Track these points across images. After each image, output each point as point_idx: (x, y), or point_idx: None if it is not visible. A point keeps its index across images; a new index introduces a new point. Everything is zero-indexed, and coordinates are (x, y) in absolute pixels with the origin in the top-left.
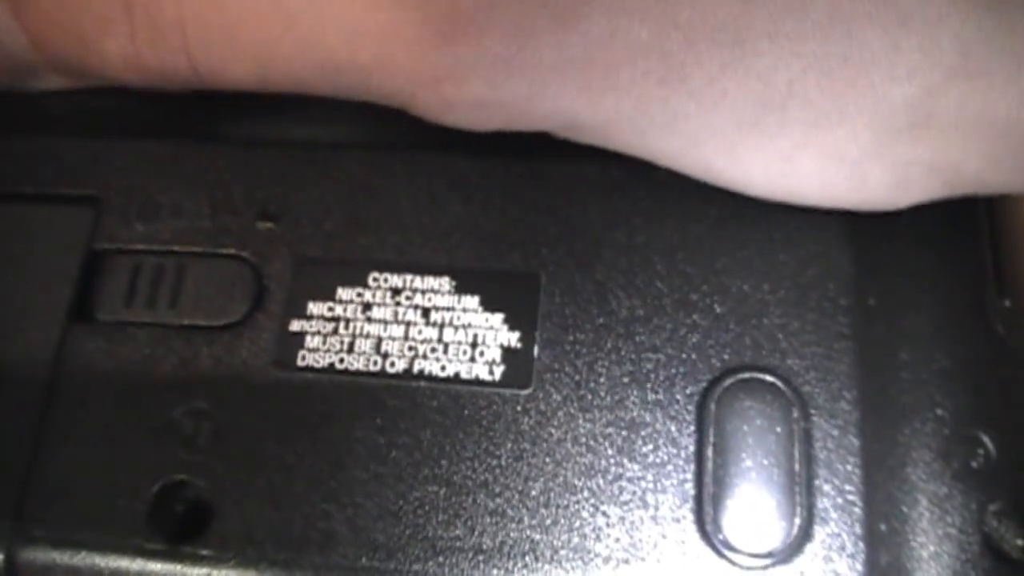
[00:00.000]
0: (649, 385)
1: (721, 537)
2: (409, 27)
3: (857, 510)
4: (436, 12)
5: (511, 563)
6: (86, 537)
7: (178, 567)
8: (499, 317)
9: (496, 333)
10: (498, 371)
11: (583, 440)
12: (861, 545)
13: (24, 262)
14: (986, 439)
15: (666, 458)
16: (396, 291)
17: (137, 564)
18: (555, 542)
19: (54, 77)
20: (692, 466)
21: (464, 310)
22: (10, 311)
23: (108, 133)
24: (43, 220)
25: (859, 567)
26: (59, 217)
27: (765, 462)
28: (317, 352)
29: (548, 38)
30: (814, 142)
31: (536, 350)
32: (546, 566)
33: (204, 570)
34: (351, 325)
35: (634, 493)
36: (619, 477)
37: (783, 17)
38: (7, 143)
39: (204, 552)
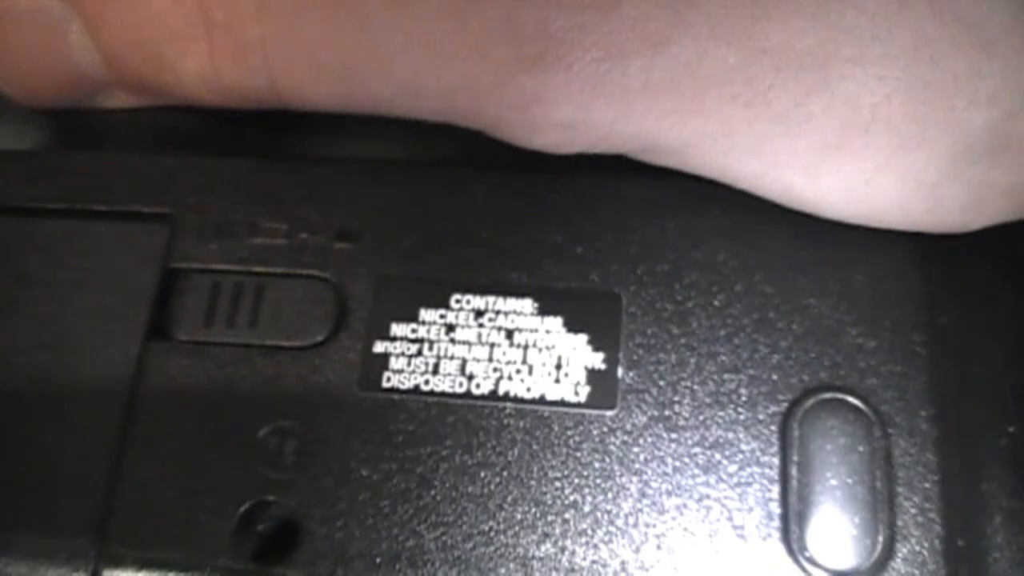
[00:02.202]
0: (732, 405)
1: (807, 555)
2: (496, 49)
3: (937, 527)
4: (524, 34)
5: None
6: (171, 557)
7: None
8: (583, 338)
9: (580, 354)
10: (583, 392)
11: (669, 460)
12: (941, 561)
13: (100, 280)
14: None
15: (751, 477)
16: (479, 312)
17: None
18: (645, 561)
19: (126, 95)
20: (777, 485)
21: (548, 331)
22: (87, 330)
23: (183, 150)
24: (118, 238)
25: None
26: (134, 234)
27: (848, 480)
28: (402, 373)
29: (636, 61)
30: (894, 165)
31: (620, 371)
32: None
33: None
34: (435, 347)
35: (721, 512)
36: (706, 496)
37: (869, 42)
38: (82, 160)
39: (291, 573)
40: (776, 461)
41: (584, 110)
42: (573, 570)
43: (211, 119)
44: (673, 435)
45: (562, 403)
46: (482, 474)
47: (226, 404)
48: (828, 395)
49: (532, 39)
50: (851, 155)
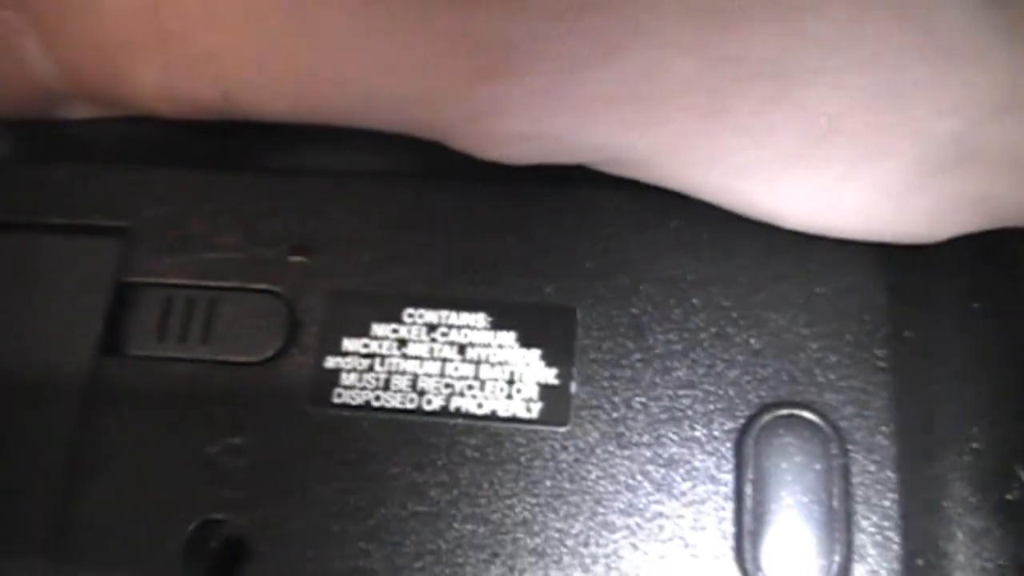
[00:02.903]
0: (687, 422)
1: (760, 575)
2: (451, 60)
3: (895, 546)
4: (479, 44)
5: None
6: (122, 574)
7: None
8: (536, 353)
9: (533, 370)
10: (535, 408)
11: (622, 478)
12: None
13: (54, 294)
14: (1022, 473)
15: (705, 495)
16: (432, 327)
17: None
18: None
19: (84, 106)
20: (731, 503)
21: (500, 346)
22: (40, 344)
23: (139, 162)
24: (73, 251)
25: None
26: (89, 248)
27: (804, 499)
28: (353, 389)
29: (593, 71)
30: (858, 175)
31: (573, 387)
32: None
33: None
34: (386, 362)
35: (674, 531)
36: (658, 515)
37: (830, 51)
38: (37, 172)
39: None
40: (731, 479)
41: (540, 121)
42: None
43: (172, 129)
44: (626, 452)
45: (514, 419)
46: (432, 492)
47: (177, 420)
48: (785, 411)
49: (487, 50)
50: (813, 165)
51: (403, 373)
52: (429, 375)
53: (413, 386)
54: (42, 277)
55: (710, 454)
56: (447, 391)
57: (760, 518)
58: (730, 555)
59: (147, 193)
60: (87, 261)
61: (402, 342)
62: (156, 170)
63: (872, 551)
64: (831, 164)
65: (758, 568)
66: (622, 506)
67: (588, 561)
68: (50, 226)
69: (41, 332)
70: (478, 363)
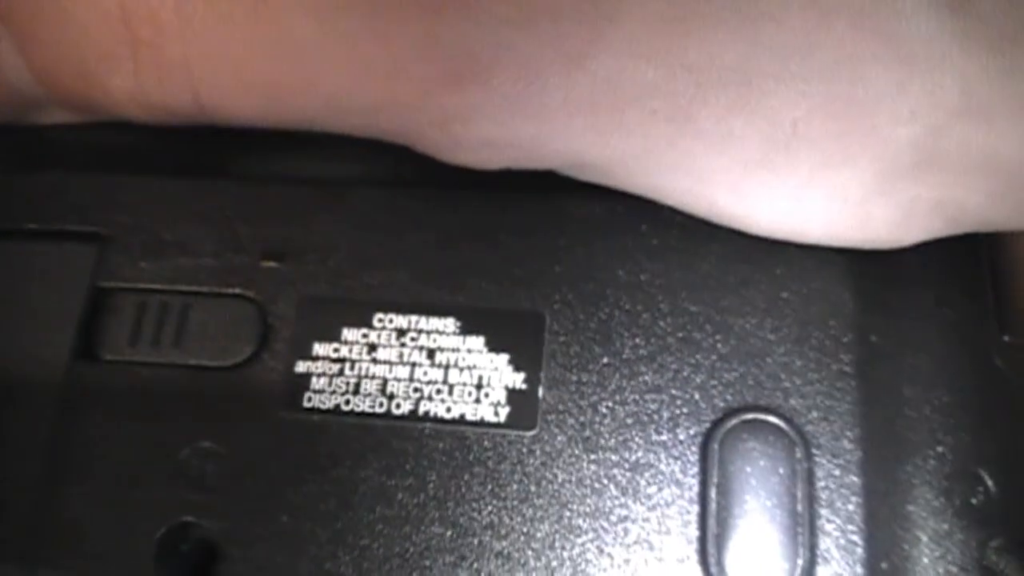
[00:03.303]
0: (653, 426)
1: None
2: (417, 66)
3: (859, 550)
4: (444, 52)
5: None
6: None
7: None
8: (504, 358)
9: (501, 374)
10: (503, 412)
11: (588, 481)
12: None
13: (28, 299)
14: (986, 476)
15: (670, 499)
16: (401, 332)
17: None
18: None
19: (58, 111)
20: (696, 507)
21: (469, 351)
22: (14, 349)
23: (113, 169)
24: (47, 257)
25: None
26: (63, 254)
27: (768, 503)
28: (323, 393)
29: (555, 79)
30: (819, 181)
31: (541, 391)
32: None
33: None
34: (356, 366)
35: (639, 534)
36: (624, 519)
37: (790, 58)
38: (10, 179)
39: None
40: (696, 483)
41: (504, 127)
42: None
43: (146, 135)
44: (592, 456)
45: (482, 423)
46: (400, 496)
47: (150, 424)
48: (750, 416)
49: (451, 57)
50: (775, 171)
51: (373, 377)
52: (398, 379)
53: (383, 390)
54: (18, 282)
55: (676, 458)
56: (416, 395)
57: (724, 522)
58: (695, 558)
59: (121, 199)
60: (62, 266)
61: (372, 347)
62: (130, 177)
63: (836, 554)
64: (793, 170)
65: (722, 571)
66: (588, 509)
67: (554, 564)
68: (24, 232)
69: (16, 337)
70: (447, 367)
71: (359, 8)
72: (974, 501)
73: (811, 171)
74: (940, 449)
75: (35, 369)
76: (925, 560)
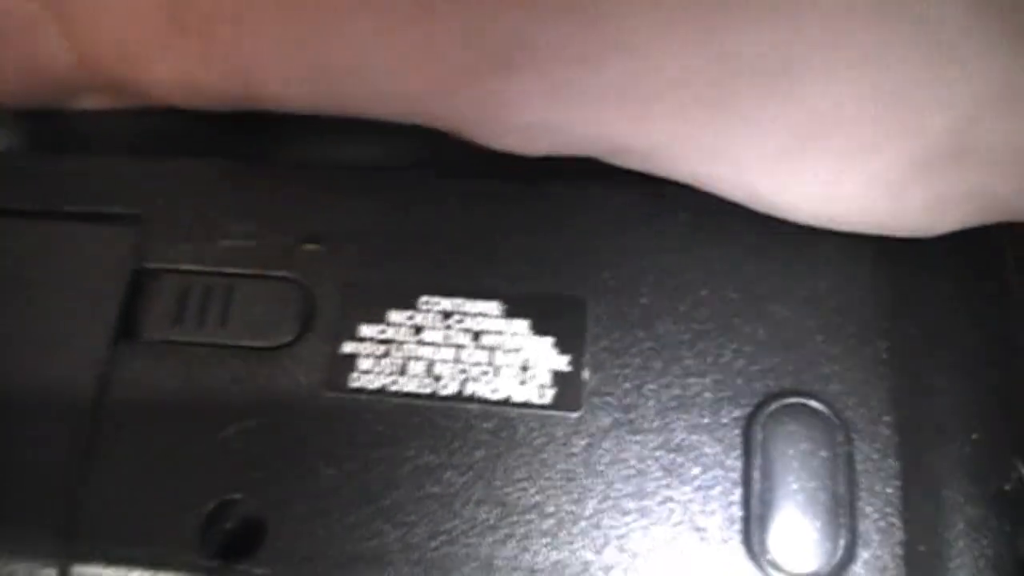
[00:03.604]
0: (696, 409)
1: (768, 558)
2: (465, 52)
3: (898, 532)
4: (493, 37)
5: None
6: (138, 554)
7: None
8: (549, 341)
9: (546, 357)
10: (548, 394)
11: (632, 462)
12: (902, 566)
13: (70, 281)
14: (1020, 464)
15: (714, 481)
16: (447, 314)
17: None
18: (606, 562)
19: (98, 96)
20: (739, 489)
21: (514, 334)
22: (56, 330)
23: (154, 152)
24: (88, 239)
25: None
26: (105, 236)
27: (810, 485)
28: (369, 374)
29: (599, 64)
30: (856, 167)
31: (585, 374)
32: None
33: None
34: (403, 347)
35: (683, 515)
36: (668, 499)
37: (825, 45)
38: (53, 161)
39: (257, 571)
40: (739, 465)
41: (551, 113)
42: (535, 571)
43: (186, 121)
44: (636, 438)
45: (527, 405)
46: (446, 475)
47: (193, 404)
48: (791, 400)
49: (500, 42)
50: (812, 158)
51: (419, 359)
52: (444, 361)
53: (429, 371)
54: (59, 264)
55: (718, 441)
56: (462, 376)
57: (767, 503)
58: (738, 538)
59: (163, 182)
60: (103, 248)
61: (418, 328)
62: (170, 160)
63: (875, 536)
64: (829, 157)
65: (765, 551)
66: (632, 490)
67: (599, 543)
68: (65, 214)
69: (59, 319)
70: (492, 350)
71: None
72: (1008, 488)
73: (847, 158)
74: (975, 436)
75: (78, 349)
76: (960, 544)
